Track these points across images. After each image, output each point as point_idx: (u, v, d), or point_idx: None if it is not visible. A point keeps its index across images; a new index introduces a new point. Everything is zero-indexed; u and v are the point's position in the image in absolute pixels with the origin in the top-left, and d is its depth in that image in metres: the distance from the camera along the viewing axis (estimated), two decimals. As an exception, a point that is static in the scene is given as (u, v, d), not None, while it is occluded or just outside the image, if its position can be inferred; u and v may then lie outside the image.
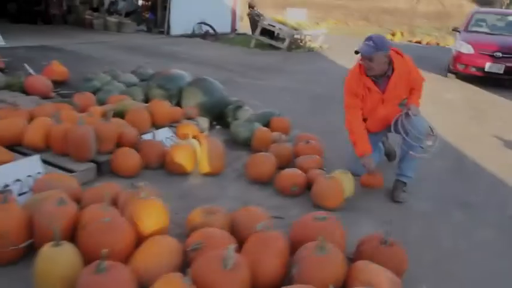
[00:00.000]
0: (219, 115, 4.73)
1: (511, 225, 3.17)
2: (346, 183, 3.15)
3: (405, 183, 3.42)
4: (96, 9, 14.17)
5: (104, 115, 3.83)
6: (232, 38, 14.24)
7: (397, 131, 3.31)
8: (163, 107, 4.12)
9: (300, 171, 3.30)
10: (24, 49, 7.62)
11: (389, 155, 4.12)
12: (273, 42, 12.35)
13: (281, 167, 3.64)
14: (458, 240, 2.89)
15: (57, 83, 5.51)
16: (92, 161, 3.23)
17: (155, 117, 4.06)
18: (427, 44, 18.55)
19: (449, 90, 8.21)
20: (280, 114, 4.66)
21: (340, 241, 2.28)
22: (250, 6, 12.97)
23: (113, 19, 12.54)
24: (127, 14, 13.60)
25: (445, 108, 6.78)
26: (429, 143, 3.27)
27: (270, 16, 12.90)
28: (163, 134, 3.93)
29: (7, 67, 6.02)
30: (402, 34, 21.16)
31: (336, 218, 2.43)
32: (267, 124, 4.47)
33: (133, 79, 5.51)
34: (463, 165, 4.37)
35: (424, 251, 2.67)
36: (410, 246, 2.46)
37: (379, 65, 3.17)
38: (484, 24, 10.39)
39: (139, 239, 2.14)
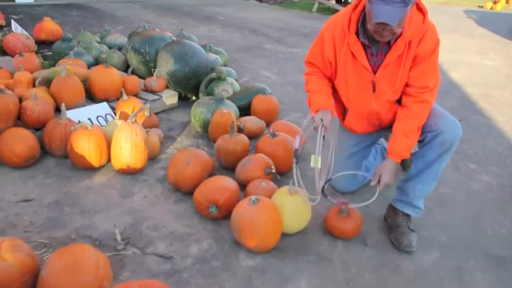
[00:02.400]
0: (196, 88, 3.75)
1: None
2: (290, 211, 2.05)
3: (409, 216, 2.24)
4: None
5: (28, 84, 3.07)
6: (297, 1, 12.88)
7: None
8: (108, 75, 3.22)
9: (229, 184, 2.23)
10: (47, 6, 7.14)
11: (403, 161, 2.85)
12: (337, 6, 10.83)
13: (229, 167, 2.63)
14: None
15: (50, 42, 4.90)
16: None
17: (95, 89, 3.19)
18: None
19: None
20: (269, 92, 3.55)
21: None
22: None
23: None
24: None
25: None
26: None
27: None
28: (97, 111, 3.06)
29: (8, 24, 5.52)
30: (507, 1, 18.05)
31: None
32: (249, 105, 3.43)
33: (123, 41, 4.69)
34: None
35: None
36: None
37: (400, 27, 1.81)
38: None
39: None
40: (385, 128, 2.36)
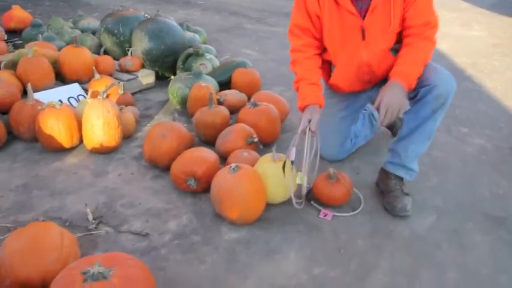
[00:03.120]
0: (174, 67, 3.57)
1: None
2: (274, 179, 1.90)
3: (402, 179, 2.09)
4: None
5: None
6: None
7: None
8: (78, 55, 3.03)
9: (207, 155, 2.08)
10: (19, -4, 6.86)
11: (392, 126, 2.71)
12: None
13: (208, 141, 2.48)
14: None
15: (20, 31, 4.67)
16: None
17: (65, 69, 3.01)
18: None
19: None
20: (250, 66, 3.39)
21: None
22: None
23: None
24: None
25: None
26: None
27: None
28: (68, 92, 2.88)
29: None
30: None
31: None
32: (230, 80, 3.27)
33: (97, 25, 4.48)
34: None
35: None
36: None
37: None
38: None
39: None
40: (374, 87, 2.20)
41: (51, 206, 1.95)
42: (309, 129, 1.90)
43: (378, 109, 1.79)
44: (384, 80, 1.99)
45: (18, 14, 4.82)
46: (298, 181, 1.87)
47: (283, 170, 1.87)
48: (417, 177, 2.14)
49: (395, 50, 2.00)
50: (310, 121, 1.90)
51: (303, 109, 2.00)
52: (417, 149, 2.01)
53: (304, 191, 1.95)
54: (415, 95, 1.93)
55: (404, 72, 1.83)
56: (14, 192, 2.04)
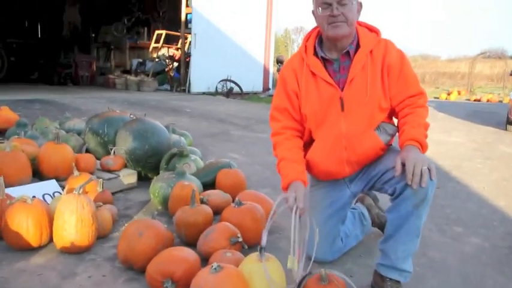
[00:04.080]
0: (157, 168, 3.49)
1: None
2: (260, 282, 1.71)
3: (398, 282, 1.91)
4: (128, 71, 13.95)
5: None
6: (263, 97, 13.31)
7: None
8: (58, 151, 2.96)
9: (187, 255, 1.89)
10: (10, 102, 6.98)
11: (383, 226, 2.56)
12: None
13: (190, 242, 2.30)
14: None
15: (5, 131, 4.63)
16: None
17: (44, 166, 2.90)
18: (488, 101, 16.44)
19: (509, 144, 6.43)
20: (233, 166, 3.33)
21: None
22: (279, 62, 12.07)
23: (133, 78, 12.11)
24: (156, 74, 13.20)
25: (503, 163, 5.05)
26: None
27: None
28: (44, 189, 2.74)
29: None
30: (459, 93, 19.26)
31: None
32: (214, 181, 3.18)
33: (82, 127, 4.48)
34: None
35: None
36: None
37: (351, 13, 1.85)
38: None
39: None
40: (354, 181, 2.13)
41: (6, 313, 1.71)
42: (296, 207, 1.78)
43: (401, 170, 1.72)
44: (362, 170, 2.02)
45: (5, 115, 4.80)
46: (289, 265, 1.69)
47: (263, 262, 1.70)
48: (415, 279, 1.97)
49: (384, 130, 1.98)
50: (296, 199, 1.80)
51: (286, 189, 1.91)
52: (407, 249, 1.88)
53: (296, 275, 1.74)
54: (393, 191, 1.85)
55: (414, 137, 1.81)
56: (-35, 298, 1.80)
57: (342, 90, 1.93)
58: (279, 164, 2.02)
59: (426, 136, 1.86)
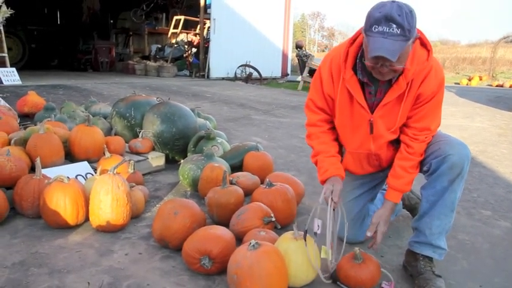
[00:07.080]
0: (185, 151, 3.54)
1: None
2: (296, 260, 1.75)
3: (431, 259, 1.93)
4: (147, 57, 14.01)
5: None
6: (282, 82, 13.25)
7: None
8: (89, 134, 3.02)
9: (224, 233, 1.94)
10: (34, 87, 7.11)
11: (413, 208, 2.58)
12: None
13: (221, 222, 2.34)
14: None
15: (33, 115, 4.74)
16: None
17: (75, 148, 2.97)
18: (511, 86, 16.14)
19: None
20: (260, 149, 3.35)
21: None
22: (298, 47, 11.96)
23: (152, 64, 12.14)
24: (175, 60, 13.22)
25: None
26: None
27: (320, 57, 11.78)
28: (77, 170, 2.81)
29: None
30: (481, 78, 18.89)
31: None
32: (241, 164, 3.21)
33: (108, 111, 4.56)
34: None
35: None
36: None
37: (401, 64, 1.68)
38: None
39: None
40: (387, 168, 2.14)
41: (49, 285, 1.77)
42: (331, 200, 1.81)
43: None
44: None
45: (33, 99, 4.92)
46: (323, 255, 1.73)
47: (306, 245, 1.74)
48: (446, 261, 1.99)
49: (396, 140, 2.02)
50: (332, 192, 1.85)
51: (324, 182, 1.96)
52: (442, 224, 1.89)
53: (330, 265, 1.79)
54: (428, 168, 1.87)
55: (400, 188, 1.96)
56: (10, 270, 1.87)
57: (373, 112, 1.91)
58: (316, 157, 2.06)
59: (412, 181, 1.97)
